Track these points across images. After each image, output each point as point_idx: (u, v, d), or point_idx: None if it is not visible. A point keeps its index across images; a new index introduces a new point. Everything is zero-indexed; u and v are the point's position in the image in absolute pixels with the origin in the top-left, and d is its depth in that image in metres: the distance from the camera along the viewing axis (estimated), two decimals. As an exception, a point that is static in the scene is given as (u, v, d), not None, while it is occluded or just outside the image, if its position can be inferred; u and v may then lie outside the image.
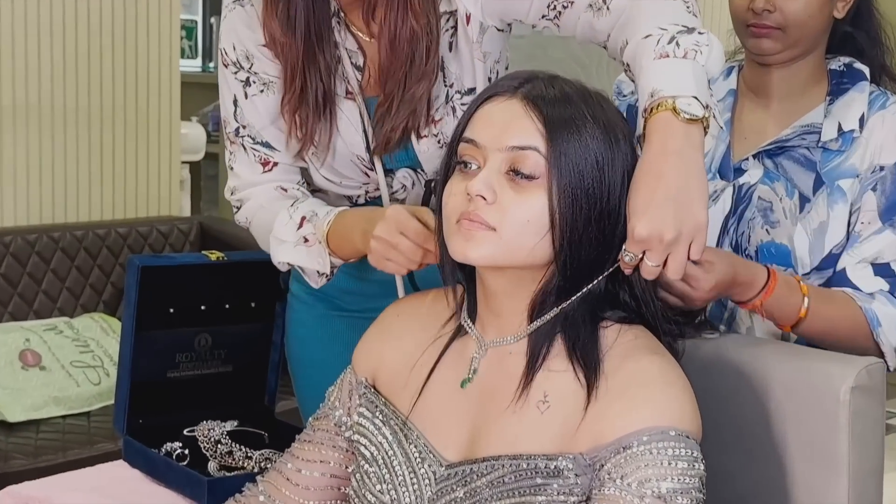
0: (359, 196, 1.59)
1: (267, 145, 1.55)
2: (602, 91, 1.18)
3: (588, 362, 1.10)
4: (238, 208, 1.60)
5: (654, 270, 1.09)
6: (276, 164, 1.56)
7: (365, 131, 1.51)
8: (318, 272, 1.49)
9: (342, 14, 1.47)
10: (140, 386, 1.69)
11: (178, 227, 3.27)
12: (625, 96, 1.67)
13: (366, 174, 1.55)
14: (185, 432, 1.67)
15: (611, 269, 1.14)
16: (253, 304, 1.75)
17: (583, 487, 1.09)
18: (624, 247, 1.10)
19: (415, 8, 1.42)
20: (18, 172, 3.15)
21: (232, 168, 1.58)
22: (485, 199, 1.07)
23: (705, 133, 1.16)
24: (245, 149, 1.55)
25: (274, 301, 1.75)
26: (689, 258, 1.11)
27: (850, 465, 1.22)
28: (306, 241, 1.47)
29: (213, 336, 1.74)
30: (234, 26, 1.52)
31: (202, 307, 1.72)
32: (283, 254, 1.50)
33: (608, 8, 1.37)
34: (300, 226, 1.47)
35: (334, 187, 1.58)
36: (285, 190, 1.56)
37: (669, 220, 1.09)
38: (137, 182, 3.43)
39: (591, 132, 1.09)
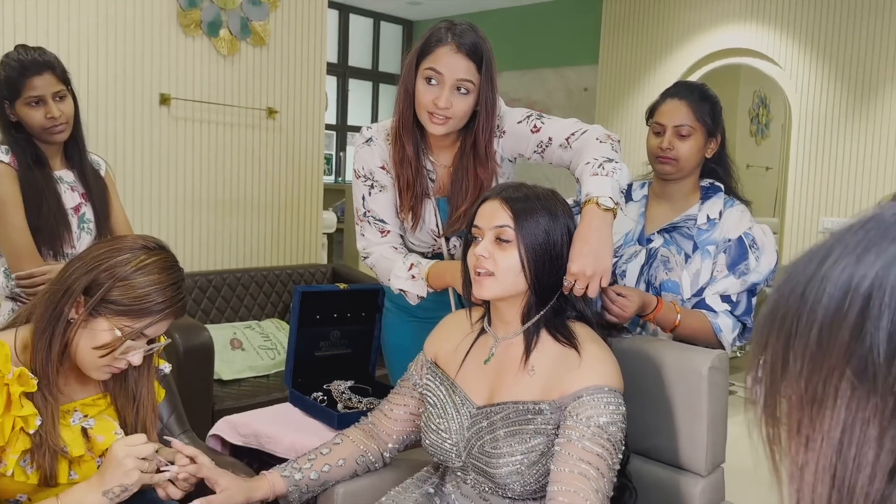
0: (428, 252, 1.87)
1: (382, 221, 1.82)
2: (551, 189, 1.42)
3: (571, 341, 1.35)
4: (366, 258, 1.86)
5: (581, 291, 1.37)
6: (388, 231, 1.82)
7: (436, 216, 1.80)
8: (417, 295, 1.75)
9: (422, 147, 1.78)
10: (299, 360, 1.98)
11: (320, 270, 3.81)
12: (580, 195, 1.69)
13: (434, 240, 1.84)
14: (324, 387, 1.99)
15: (559, 292, 1.34)
16: (363, 314, 2.04)
17: (555, 420, 1.30)
18: (565, 277, 1.35)
19: (488, 158, 1.74)
20: (234, 241, 3.76)
21: (363, 235, 1.84)
22: (485, 257, 1.34)
23: (614, 217, 1.44)
24: (370, 223, 1.82)
25: (374, 312, 2.05)
26: (600, 286, 1.38)
27: (707, 412, 1.51)
28: (413, 277, 1.73)
29: (340, 332, 2.03)
30: (363, 157, 1.83)
31: (335, 315, 2.02)
32: (399, 283, 1.76)
33: (570, 147, 1.68)
34: (410, 269, 1.74)
35: (414, 247, 1.88)
36: (396, 248, 1.81)
37: (590, 263, 1.35)
38: (299, 245, 4.03)
39: (541, 213, 1.34)
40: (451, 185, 1.78)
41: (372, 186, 1.81)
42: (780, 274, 0.49)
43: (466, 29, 1.68)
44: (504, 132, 1.78)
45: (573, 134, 1.67)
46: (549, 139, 1.70)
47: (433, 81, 1.66)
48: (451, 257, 1.83)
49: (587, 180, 1.51)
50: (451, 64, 1.64)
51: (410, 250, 1.87)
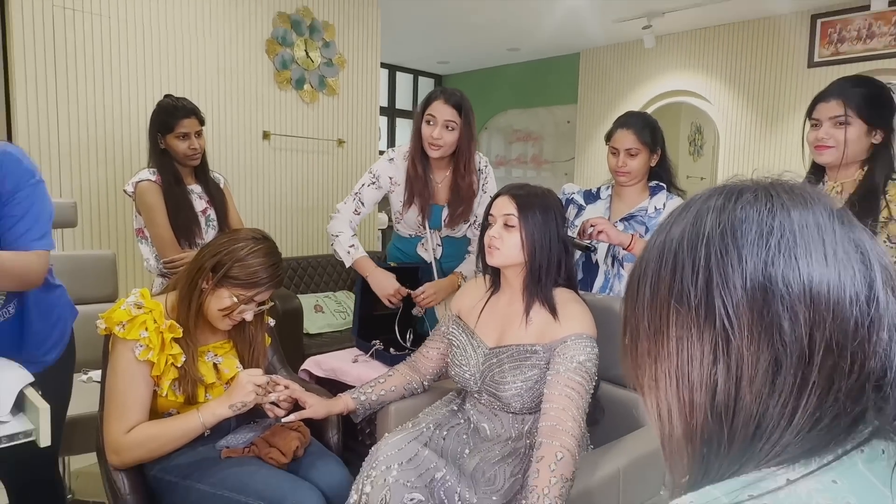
0: (412, 234, 2.04)
1: (362, 204, 1.95)
2: (548, 189, 1.39)
3: (550, 305, 1.34)
4: (334, 214, 1.96)
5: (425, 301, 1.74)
6: (359, 213, 1.96)
7: (423, 214, 1.98)
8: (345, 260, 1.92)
9: (427, 166, 1.93)
10: (363, 318, 2.02)
11: (376, 255, 3.21)
12: (565, 194, 1.98)
13: (418, 227, 2.02)
14: (380, 337, 2.00)
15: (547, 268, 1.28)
16: (407, 285, 1.96)
17: (546, 358, 1.30)
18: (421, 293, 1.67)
19: (467, 172, 1.90)
20: (315, 235, 3.63)
21: (345, 203, 1.95)
22: (496, 237, 1.34)
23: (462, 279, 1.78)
24: (354, 201, 1.95)
25: (415, 284, 2.01)
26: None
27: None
28: (349, 253, 1.90)
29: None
30: (382, 165, 1.96)
31: (387, 286, 1.91)
32: (339, 248, 1.90)
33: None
34: (350, 247, 1.90)
35: (401, 231, 2.05)
36: (351, 224, 1.95)
37: (431, 291, 1.79)
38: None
39: (538, 207, 1.33)
40: (450, 193, 1.91)
41: (373, 183, 1.94)
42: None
43: (454, 91, 1.86)
44: (485, 192, 1.96)
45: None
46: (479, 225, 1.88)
47: (430, 122, 1.85)
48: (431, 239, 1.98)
49: (467, 263, 1.90)
50: (441, 110, 1.83)
51: (397, 233, 2.06)
